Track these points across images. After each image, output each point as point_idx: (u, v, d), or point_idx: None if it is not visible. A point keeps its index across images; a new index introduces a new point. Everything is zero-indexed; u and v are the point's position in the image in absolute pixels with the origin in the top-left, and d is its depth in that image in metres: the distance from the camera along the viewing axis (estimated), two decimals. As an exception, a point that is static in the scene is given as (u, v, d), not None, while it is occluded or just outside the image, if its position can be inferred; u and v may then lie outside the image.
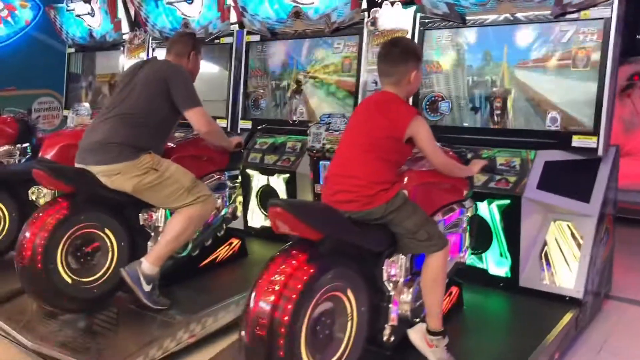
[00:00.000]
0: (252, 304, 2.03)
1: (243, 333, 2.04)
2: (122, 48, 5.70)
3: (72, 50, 6.33)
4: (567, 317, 2.99)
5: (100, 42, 5.93)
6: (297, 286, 2.01)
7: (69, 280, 3.01)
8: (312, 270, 2.05)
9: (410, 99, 3.58)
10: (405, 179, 2.45)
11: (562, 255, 3.21)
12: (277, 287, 2.01)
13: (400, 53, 2.47)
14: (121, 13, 5.69)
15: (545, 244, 3.25)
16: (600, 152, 3.13)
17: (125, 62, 5.58)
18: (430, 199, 2.54)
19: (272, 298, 1.99)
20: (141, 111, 3.06)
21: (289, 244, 2.20)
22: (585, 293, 3.12)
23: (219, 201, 3.55)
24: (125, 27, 5.71)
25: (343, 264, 2.20)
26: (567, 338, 2.95)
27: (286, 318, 1.97)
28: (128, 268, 3.02)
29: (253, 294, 2.05)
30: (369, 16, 4.01)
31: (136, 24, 5.60)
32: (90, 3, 5.74)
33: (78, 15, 5.93)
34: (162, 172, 3.04)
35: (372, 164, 2.33)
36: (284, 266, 2.06)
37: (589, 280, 3.14)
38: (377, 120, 2.40)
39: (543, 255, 3.25)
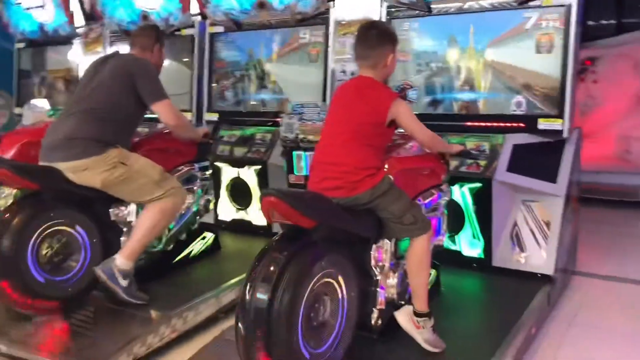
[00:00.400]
0: (248, 295, 2.03)
1: (240, 323, 2.04)
2: (77, 42, 5.51)
3: (22, 45, 6.08)
4: (540, 293, 3.11)
5: (53, 36, 5.71)
6: (293, 274, 2.02)
7: (41, 280, 2.94)
8: (306, 258, 2.07)
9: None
10: (387, 166, 2.49)
11: (532, 235, 3.33)
12: (273, 276, 2.01)
13: (377, 36, 2.50)
14: (74, 5, 5.49)
15: (515, 224, 3.38)
16: (565, 134, 3.26)
17: (81, 56, 5.41)
18: (411, 184, 2.59)
19: (269, 287, 2.00)
20: (107, 106, 3.01)
21: (281, 232, 2.20)
22: (556, 270, 3.26)
23: (190, 194, 3.51)
24: (79, 20, 5.52)
25: (334, 251, 2.23)
26: (541, 313, 3.07)
27: (283, 306, 1.99)
28: (102, 265, 2.97)
29: (249, 284, 2.05)
30: (334, 6, 4.03)
31: (91, 16, 5.43)
32: (40, -5, 5.54)
33: (27, 9, 5.70)
34: (131, 166, 3.00)
35: (356, 150, 2.36)
36: (278, 255, 2.06)
37: (559, 257, 3.28)
38: (358, 106, 2.43)
39: (514, 235, 3.37)
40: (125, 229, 3.21)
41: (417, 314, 2.50)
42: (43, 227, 2.95)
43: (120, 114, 3.04)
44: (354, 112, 2.44)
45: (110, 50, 5.17)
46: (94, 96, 3.03)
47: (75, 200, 3.05)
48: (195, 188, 3.61)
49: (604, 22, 5.51)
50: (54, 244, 3.01)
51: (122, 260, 2.97)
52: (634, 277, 3.76)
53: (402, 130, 2.85)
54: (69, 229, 3.05)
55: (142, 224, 3.05)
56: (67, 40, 5.66)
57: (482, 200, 3.35)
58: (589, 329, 3.08)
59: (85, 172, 2.92)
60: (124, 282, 2.97)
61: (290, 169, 3.61)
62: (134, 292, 3.01)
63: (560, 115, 3.27)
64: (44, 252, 2.96)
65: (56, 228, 3.00)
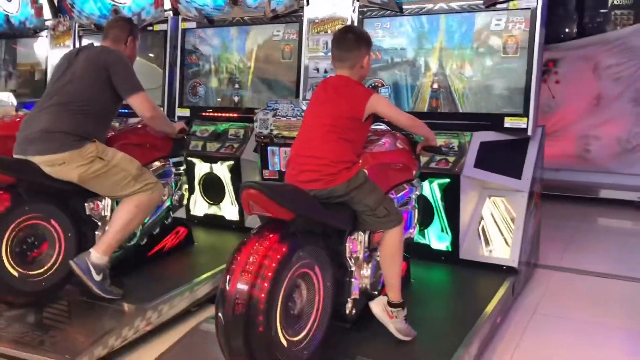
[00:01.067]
0: (228, 285, 2.08)
1: (220, 313, 2.09)
2: (45, 35, 5.45)
3: (-14, 37, 5.98)
4: (505, 284, 3.25)
5: (20, 28, 5.63)
6: (272, 265, 2.08)
7: (15, 274, 2.93)
8: (285, 249, 2.12)
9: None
10: (361, 161, 2.57)
11: (498, 229, 3.47)
12: (252, 267, 2.07)
13: (354, 40, 2.60)
14: (42, -2, 5.43)
15: (482, 218, 3.51)
16: (529, 132, 3.40)
17: (49, 50, 5.34)
18: (384, 178, 2.67)
19: (249, 277, 2.06)
20: (82, 99, 2.99)
21: (260, 225, 2.26)
22: (520, 262, 3.40)
23: (165, 189, 3.53)
24: (47, 13, 5.45)
25: (312, 242, 2.30)
26: (506, 304, 3.20)
27: (263, 295, 2.05)
28: (77, 259, 2.97)
29: (229, 275, 2.10)
30: (307, 4, 4.10)
31: (60, 9, 5.36)
32: (6, -14, 5.46)
33: (-8, 1, 5.62)
34: (108, 160, 3.00)
35: (333, 144, 2.44)
36: (258, 246, 2.12)
37: (523, 250, 3.42)
38: (336, 102, 2.51)
39: (480, 229, 3.50)
40: (100, 224, 3.21)
41: (391, 304, 2.59)
42: (17, 220, 2.94)
43: (95, 106, 3.02)
44: (331, 108, 2.52)
45: (80, 43, 5.13)
46: (69, 89, 3.01)
47: (51, 194, 3.04)
48: (169, 183, 3.62)
49: (566, 25, 5.71)
50: (29, 237, 3.00)
51: (96, 255, 2.98)
52: (592, 270, 3.93)
53: (375, 127, 2.96)
54: (43, 223, 3.04)
55: (118, 218, 3.06)
56: (34, 33, 5.59)
57: (451, 195, 3.47)
58: (550, 318, 3.23)
59: (62, 166, 2.91)
60: (97, 277, 2.98)
61: (264, 165, 3.67)
62: (107, 287, 3.02)
63: (525, 114, 3.41)
64: (18, 245, 2.95)
65: (31, 222, 2.99)
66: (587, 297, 3.53)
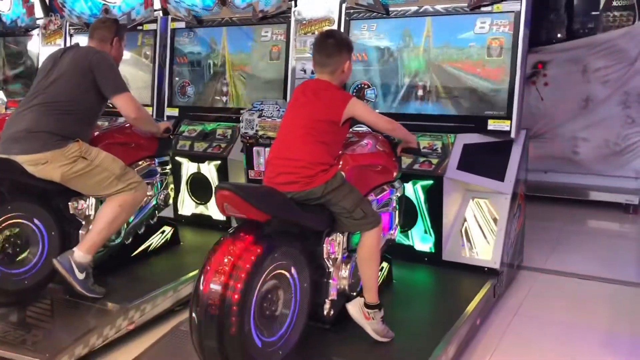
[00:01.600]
0: (202, 285, 2.10)
1: (194, 314, 2.11)
2: (36, 33, 5.46)
3: (-21, 35, 5.99)
4: (486, 286, 3.26)
5: (11, 27, 5.65)
6: (245, 266, 2.10)
7: (-2, 273, 2.94)
8: (259, 250, 2.14)
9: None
10: (341, 162, 2.59)
11: (480, 230, 3.48)
12: (226, 268, 2.09)
13: (335, 45, 2.61)
14: (34, -3, 5.46)
15: (465, 220, 3.52)
16: (512, 135, 3.41)
17: (40, 48, 5.35)
18: (364, 180, 2.70)
19: (222, 278, 2.07)
20: (66, 99, 3.01)
21: (236, 226, 2.28)
22: (502, 264, 3.41)
23: (150, 188, 3.54)
24: (39, 11, 5.47)
25: (287, 244, 2.32)
26: (487, 305, 3.22)
27: (236, 296, 2.06)
28: (60, 258, 2.99)
29: (203, 275, 2.12)
30: (295, 5, 4.11)
31: (51, 8, 5.39)
32: (-3, -15, 5.48)
33: (-16, -1, 5.63)
34: (91, 160, 3.01)
35: (311, 146, 2.46)
36: (232, 247, 2.14)
37: (505, 252, 3.44)
38: (314, 105, 2.53)
39: (463, 230, 3.52)
40: (84, 223, 3.23)
41: (367, 305, 2.60)
42: (0, 219, 2.94)
43: (80, 106, 3.04)
44: (309, 111, 2.54)
45: (70, 42, 5.15)
46: (54, 89, 3.02)
47: (35, 194, 3.05)
48: (154, 182, 3.63)
49: (555, 27, 5.72)
50: (11, 236, 3.01)
51: (80, 254, 2.99)
52: (577, 272, 3.95)
53: (357, 129, 2.98)
54: (26, 222, 3.05)
55: (101, 217, 3.07)
56: (26, 32, 5.61)
57: (434, 197, 3.48)
58: (532, 320, 3.25)
59: (45, 165, 2.92)
60: (80, 275, 2.99)
61: (249, 165, 3.69)
62: (89, 286, 3.04)
63: (508, 117, 3.42)
64: (0, 244, 2.96)
65: (14, 221, 3.00)
66: (570, 299, 3.55)
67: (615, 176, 5.40)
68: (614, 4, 5.45)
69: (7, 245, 3.00)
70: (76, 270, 2.98)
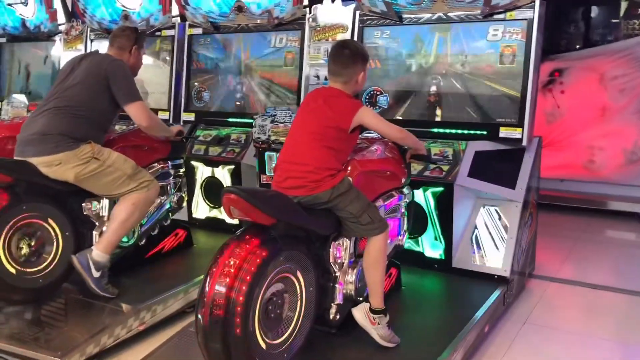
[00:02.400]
0: (207, 287, 2.14)
1: (199, 315, 2.14)
2: (58, 39, 5.58)
3: (4, 40, 6.13)
4: (496, 294, 3.25)
5: (35, 32, 5.79)
6: (251, 268, 2.13)
7: (13, 271, 3.01)
8: (264, 254, 2.17)
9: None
10: (349, 168, 2.62)
11: (491, 238, 3.48)
12: (232, 270, 2.12)
13: (350, 55, 2.63)
14: (57, 3, 5.57)
15: (475, 227, 3.52)
16: (524, 143, 3.40)
17: (62, 53, 5.47)
18: (372, 186, 2.71)
19: (228, 280, 2.11)
20: (80, 104, 3.08)
21: (242, 229, 2.31)
22: (512, 272, 3.40)
23: (164, 191, 3.60)
24: (61, 17, 5.59)
25: (293, 247, 2.34)
26: (496, 313, 3.21)
27: (241, 298, 2.09)
28: (79, 255, 3.06)
29: (208, 277, 2.15)
30: (310, 12, 4.15)
31: (73, 14, 5.50)
32: (23, -9, 5.61)
33: (9, 4, 5.77)
34: (104, 160, 3.08)
35: (319, 151, 2.48)
36: (238, 250, 2.17)
37: (515, 260, 3.42)
38: (324, 112, 2.56)
39: (474, 238, 3.51)
40: (97, 223, 3.30)
41: (373, 310, 2.62)
42: (15, 219, 3.02)
43: (94, 112, 3.12)
44: (319, 117, 2.56)
45: (91, 47, 5.25)
46: (69, 94, 3.10)
47: (49, 194, 3.13)
48: (168, 185, 3.70)
49: (573, 35, 5.70)
50: (26, 236, 3.08)
51: (97, 253, 3.06)
52: (590, 281, 3.91)
53: (367, 135, 3.00)
54: (41, 222, 3.12)
55: (116, 216, 3.14)
56: (48, 37, 5.73)
57: (444, 203, 3.48)
58: (541, 328, 3.23)
59: (59, 166, 3.00)
60: (96, 274, 3.06)
61: (262, 169, 3.73)
62: (103, 285, 3.10)
63: (520, 125, 3.41)
64: (15, 244, 3.04)
65: (29, 221, 3.08)
66: (582, 309, 3.53)
67: (632, 185, 5.34)
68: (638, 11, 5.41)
69: (22, 244, 3.07)
70: (93, 269, 3.05)
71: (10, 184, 3.05)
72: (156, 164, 3.59)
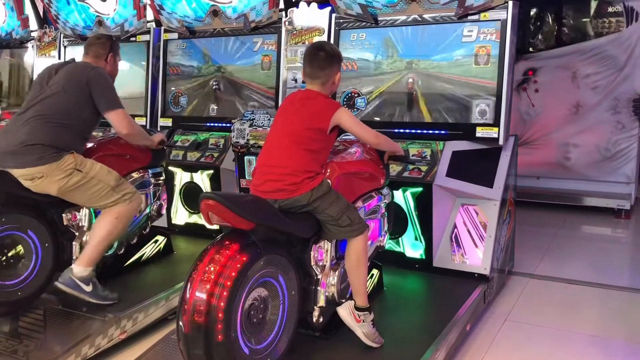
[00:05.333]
0: (188, 293, 2.12)
1: (181, 322, 2.13)
2: (31, 45, 5.51)
3: (-27, 47, 6.04)
4: (476, 292, 3.28)
5: (6, 39, 5.70)
6: (231, 274, 2.12)
7: (-10, 283, 2.96)
8: (244, 259, 2.17)
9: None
10: (328, 170, 2.63)
11: (470, 237, 3.51)
12: (212, 276, 2.11)
13: (326, 57, 2.65)
14: (29, 9, 5.51)
15: (455, 226, 3.55)
16: (501, 142, 3.44)
17: (35, 60, 5.40)
18: (351, 188, 2.73)
19: (208, 286, 2.10)
20: (62, 113, 3.04)
21: (221, 234, 2.30)
22: (491, 270, 3.44)
23: (143, 198, 3.57)
24: (33, 24, 5.52)
25: (274, 251, 2.33)
26: (477, 311, 3.24)
27: (222, 304, 2.08)
28: (61, 279, 3.01)
29: (189, 284, 2.14)
30: (286, 15, 4.16)
31: (46, 20, 5.44)
32: (-8, -2, 5.53)
33: (-20, 11, 5.69)
34: (87, 172, 3.03)
35: (298, 154, 2.49)
36: (218, 256, 2.16)
37: (494, 258, 3.46)
38: (302, 114, 2.57)
39: (453, 237, 3.55)
40: (77, 234, 3.26)
41: (357, 308, 2.63)
42: (-7, 232, 2.97)
43: (77, 120, 3.08)
44: (298, 119, 2.57)
45: (65, 53, 5.19)
46: (49, 102, 3.05)
47: (28, 206, 3.07)
48: (148, 193, 3.66)
49: (544, 35, 5.78)
50: (5, 248, 3.03)
51: (80, 268, 3.02)
52: (568, 277, 3.98)
53: (345, 137, 3.01)
54: (20, 234, 3.07)
55: (98, 230, 3.09)
56: (21, 44, 5.66)
57: (424, 204, 3.51)
58: (522, 325, 3.27)
59: (42, 179, 2.94)
60: (87, 288, 3.02)
61: (241, 174, 3.72)
62: (101, 294, 3.07)
63: (496, 124, 3.45)
64: (-7, 256, 2.99)
65: (7, 233, 3.02)
66: (561, 304, 3.57)
67: (607, 181, 5.45)
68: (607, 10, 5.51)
69: (0, 257, 3.01)
70: (82, 285, 3.01)
71: None
72: (136, 173, 3.55)
